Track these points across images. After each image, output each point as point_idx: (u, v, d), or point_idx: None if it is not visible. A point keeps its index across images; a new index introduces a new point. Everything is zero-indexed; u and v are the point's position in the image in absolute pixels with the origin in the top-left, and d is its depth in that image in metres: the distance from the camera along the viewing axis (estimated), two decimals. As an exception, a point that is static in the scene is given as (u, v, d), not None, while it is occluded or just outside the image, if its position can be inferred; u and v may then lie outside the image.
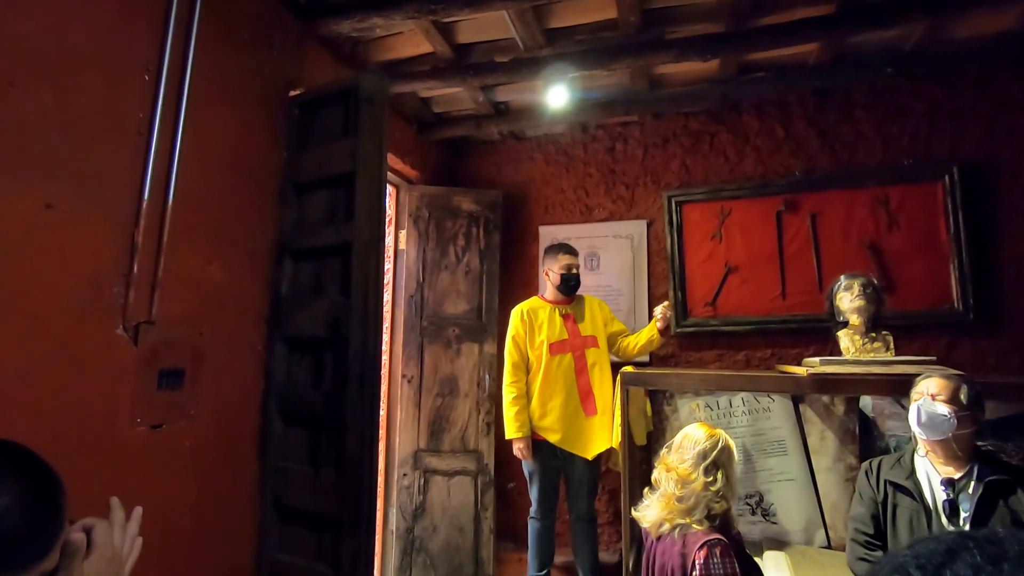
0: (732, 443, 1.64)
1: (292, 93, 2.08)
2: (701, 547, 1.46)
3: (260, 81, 1.95)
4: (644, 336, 2.69)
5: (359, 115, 1.88)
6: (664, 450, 1.70)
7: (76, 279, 1.33)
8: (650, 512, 1.63)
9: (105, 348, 1.38)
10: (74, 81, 1.34)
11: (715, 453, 1.58)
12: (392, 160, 3.00)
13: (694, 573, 1.45)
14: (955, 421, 1.64)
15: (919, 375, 1.80)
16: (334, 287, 1.88)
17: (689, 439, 1.64)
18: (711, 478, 1.55)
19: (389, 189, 3.19)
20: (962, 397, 1.67)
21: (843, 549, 2.42)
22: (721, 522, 1.54)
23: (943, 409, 1.65)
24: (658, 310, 2.62)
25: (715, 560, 1.44)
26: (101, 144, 1.39)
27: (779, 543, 2.60)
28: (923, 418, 1.67)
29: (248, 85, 1.90)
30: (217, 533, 1.70)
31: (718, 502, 1.53)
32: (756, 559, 2.47)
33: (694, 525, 1.53)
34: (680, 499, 1.56)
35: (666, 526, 1.57)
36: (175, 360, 1.56)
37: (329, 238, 1.91)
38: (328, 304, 1.85)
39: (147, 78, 1.50)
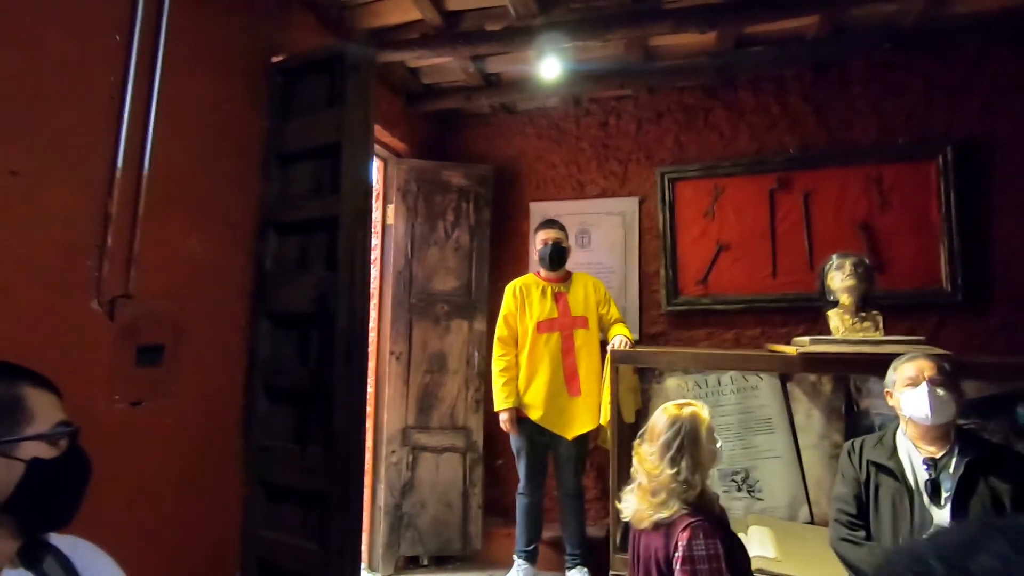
0: (700, 417, 1.56)
1: (274, 59, 1.99)
2: (684, 529, 1.45)
3: (240, 46, 1.86)
4: (613, 332, 2.65)
5: (345, 84, 1.81)
6: (637, 439, 1.65)
7: (46, 251, 1.27)
8: (629, 504, 1.60)
9: (79, 323, 1.33)
10: (38, 40, 1.26)
11: (678, 440, 1.52)
12: (379, 132, 2.92)
13: (676, 554, 1.43)
14: (955, 405, 1.63)
15: (905, 354, 1.80)
16: (320, 262, 1.83)
17: (654, 429, 1.59)
18: (675, 469, 1.50)
19: (376, 163, 3.11)
20: (953, 378, 1.67)
21: (826, 524, 2.46)
22: (699, 504, 1.51)
23: (945, 393, 1.64)
24: (616, 341, 2.54)
25: (698, 542, 1.42)
26: (69, 108, 1.32)
27: (763, 519, 2.64)
28: (935, 404, 1.63)
29: (227, 49, 1.81)
30: (202, 511, 1.68)
31: (686, 491, 1.50)
32: (741, 534, 2.51)
33: (672, 514, 1.51)
34: (652, 493, 1.54)
35: (645, 523, 1.54)
36: (154, 336, 1.51)
37: (315, 211, 1.86)
38: (314, 279, 1.81)
39: (118, 38, 1.42)
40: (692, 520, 1.46)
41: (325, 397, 1.71)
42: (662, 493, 1.52)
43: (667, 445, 1.53)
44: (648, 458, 1.57)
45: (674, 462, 1.51)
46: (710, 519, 1.49)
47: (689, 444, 1.52)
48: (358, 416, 1.67)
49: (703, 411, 1.59)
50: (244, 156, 1.87)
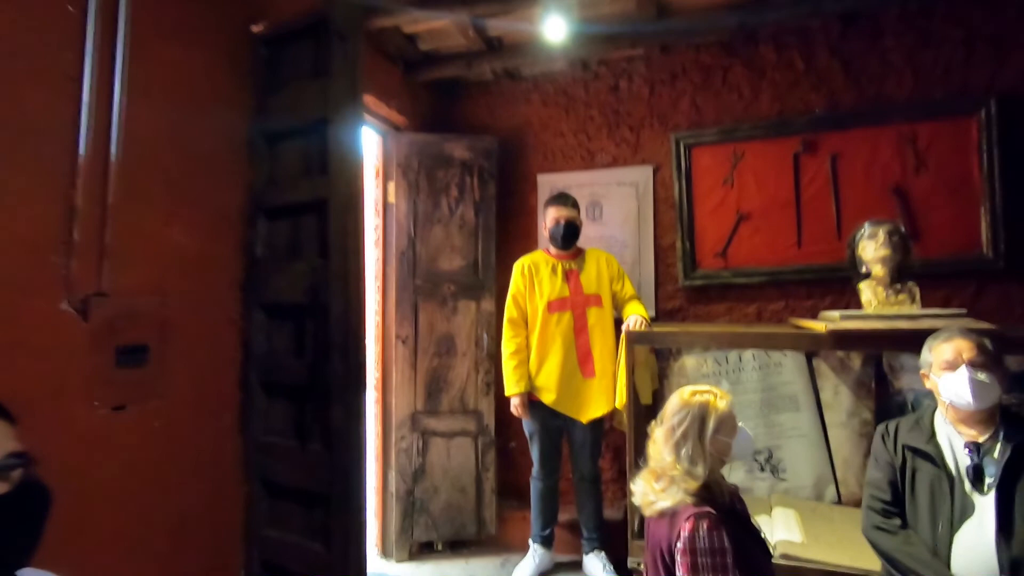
0: (712, 406, 1.48)
1: (254, 29, 1.84)
2: (688, 519, 1.38)
3: (216, 13, 1.71)
4: (627, 311, 2.52)
5: (330, 53, 1.66)
6: (655, 421, 1.58)
7: (4, 249, 1.16)
8: (638, 488, 1.55)
9: (48, 325, 1.23)
10: (-21, 13, 1.13)
11: (682, 428, 1.45)
12: (376, 105, 2.76)
13: (678, 545, 1.37)
14: (999, 387, 1.51)
15: (941, 332, 1.66)
16: (312, 248, 1.71)
17: (665, 413, 1.53)
18: (674, 457, 1.45)
19: (375, 137, 2.96)
20: (995, 357, 1.54)
21: (854, 505, 2.36)
22: (705, 494, 1.43)
23: (988, 378, 1.52)
24: (632, 321, 2.40)
25: (701, 533, 1.35)
26: (20, 91, 1.19)
27: (788, 499, 2.54)
28: (976, 390, 1.51)
29: (201, 19, 1.66)
30: (201, 513, 1.61)
31: (686, 481, 1.43)
32: (764, 516, 2.42)
33: (675, 503, 1.43)
34: (656, 478, 1.48)
35: (649, 509, 1.49)
36: (136, 335, 1.41)
37: (304, 194, 1.73)
38: (306, 267, 1.69)
39: (71, 9, 1.27)
40: (697, 511, 1.39)
41: (322, 392, 1.61)
42: (664, 480, 1.47)
43: (671, 431, 1.48)
44: (656, 442, 1.53)
45: (676, 449, 1.46)
46: (718, 510, 1.41)
47: (693, 433, 1.45)
48: (357, 412, 1.58)
49: (720, 401, 1.50)
50: (227, 136, 1.74)
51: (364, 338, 1.62)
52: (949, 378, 1.56)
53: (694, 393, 1.52)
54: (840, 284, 2.59)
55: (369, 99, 2.68)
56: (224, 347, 1.71)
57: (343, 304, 1.58)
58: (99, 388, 1.32)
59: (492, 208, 3.00)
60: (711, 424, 1.45)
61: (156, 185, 1.49)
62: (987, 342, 1.57)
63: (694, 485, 1.41)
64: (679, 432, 1.46)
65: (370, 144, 2.99)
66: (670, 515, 1.43)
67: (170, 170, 1.53)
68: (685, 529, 1.36)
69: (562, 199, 2.62)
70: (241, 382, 1.76)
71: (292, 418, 1.73)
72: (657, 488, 1.47)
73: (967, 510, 1.54)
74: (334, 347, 1.58)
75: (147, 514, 1.45)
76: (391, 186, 2.91)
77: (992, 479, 1.53)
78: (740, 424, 1.53)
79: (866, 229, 2.19)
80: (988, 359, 1.54)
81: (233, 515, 1.72)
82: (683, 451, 1.44)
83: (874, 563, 1.72)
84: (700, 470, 1.42)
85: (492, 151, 3.02)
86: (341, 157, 1.62)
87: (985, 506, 1.52)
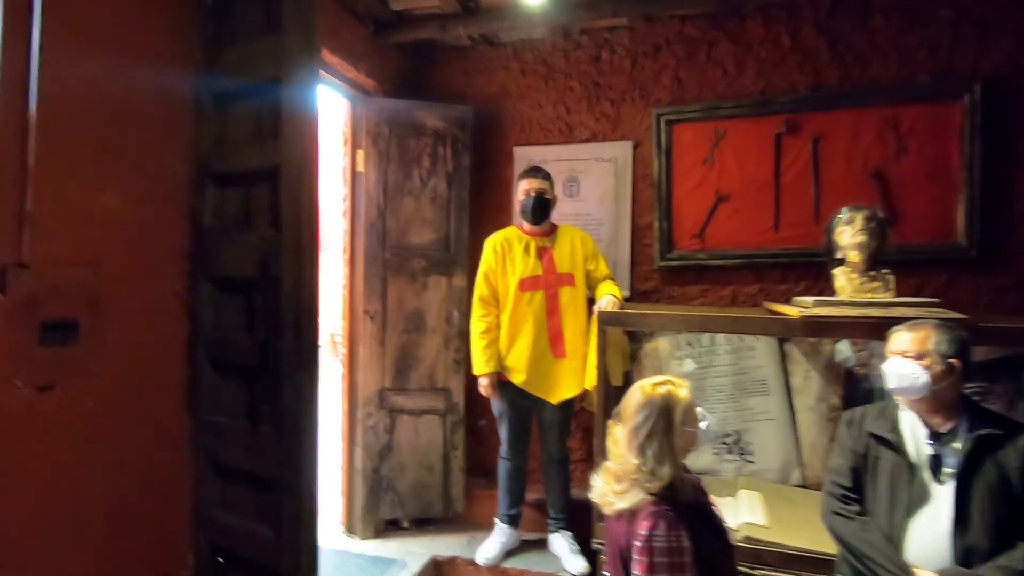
0: (675, 398, 1.42)
1: (202, -24, 1.68)
2: (646, 517, 1.35)
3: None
4: (601, 291, 2.45)
5: (281, 5, 1.52)
6: (612, 418, 1.53)
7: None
8: (597, 485, 1.50)
9: (-43, 298, 1.12)
10: None
11: (647, 427, 1.40)
12: (344, 68, 2.61)
13: (636, 543, 1.34)
14: (928, 379, 1.51)
15: (916, 319, 1.65)
16: (264, 218, 1.60)
17: (626, 411, 1.47)
18: (640, 459, 1.39)
19: (343, 102, 2.81)
20: (934, 348, 1.53)
21: (818, 488, 2.38)
22: (667, 492, 1.39)
23: (912, 368, 1.52)
24: (604, 302, 2.33)
25: (659, 532, 1.32)
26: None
27: (754, 481, 2.55)
28: (893, 381, 1.56)
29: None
30: (143, 495, 1.52)
31: (651, 481, 1.38)
32: (728, 498, 2.43)
33: (634, 503, 1.40)
34: (617, 480, 1.44)
35: (607, 509, 1.45)
36: (63, 310, 1.30)
37: (255, 160, 1.61)
38: (256, 239, 1.58)
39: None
40: (655, 509, 1.35)
41: (273, 372, 1.52)
42: (625, 482, 1.42)
43: (635, 432, 1.42)
44: (618, 443, 1.48)
45: (641, 451, 1.40)
46: (678, 508, 1.37)
47: (660, 431, 1.40)
48: (309, 392, 1.49)
49: (680, 390, 1.45)
50: (170, 94, 1.60)
51: (318, 315, 1.53)
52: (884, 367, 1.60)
53: (654, 386, 1.46)
54: (816, 269, 2.56)
55: (336, 61, 2.53)
56: (168, 322, 1.61)
57: (295, 279, 1.49)
58: (21, 367, 1.21)
59: (466, 181, 2.89)
60: (677, 417, 1.40)
61: (85, 145, 1.36)
62: (932, 335, 1.55)
63: (657, 485, 1.37)
64: (644, 431, 1.39)
65: (338, 109, 2.84)
66: (628, 515, 1.39)
67: (101, 129, 1.40)
68: (643, 528, 1.32)
69: (534, 171, 2.54)
70: (189, 359, 1.66)
71: (243, 398, 1.64)
72: (617, 489, 1.42)
73: (923, 499, 1.55)
74: (286, 324, 1.49)
75: (80, 498, 1.36)
76: (360, 155, 2.78)
77: (951, 469, 1.54)
78: (699, 409, 1.50)
79: (844, 214, 2.15)
80: (920, 353, 1.53)
81: (180, 498, 1.64)
82: (649, 451, 1.38)
83: (833, 546, 1.73)
84: (666, 470, 1.37)
85: (467, 121, 2.90)
86: (295, 120, 1.50)
87: (941, 495, 1.53)
